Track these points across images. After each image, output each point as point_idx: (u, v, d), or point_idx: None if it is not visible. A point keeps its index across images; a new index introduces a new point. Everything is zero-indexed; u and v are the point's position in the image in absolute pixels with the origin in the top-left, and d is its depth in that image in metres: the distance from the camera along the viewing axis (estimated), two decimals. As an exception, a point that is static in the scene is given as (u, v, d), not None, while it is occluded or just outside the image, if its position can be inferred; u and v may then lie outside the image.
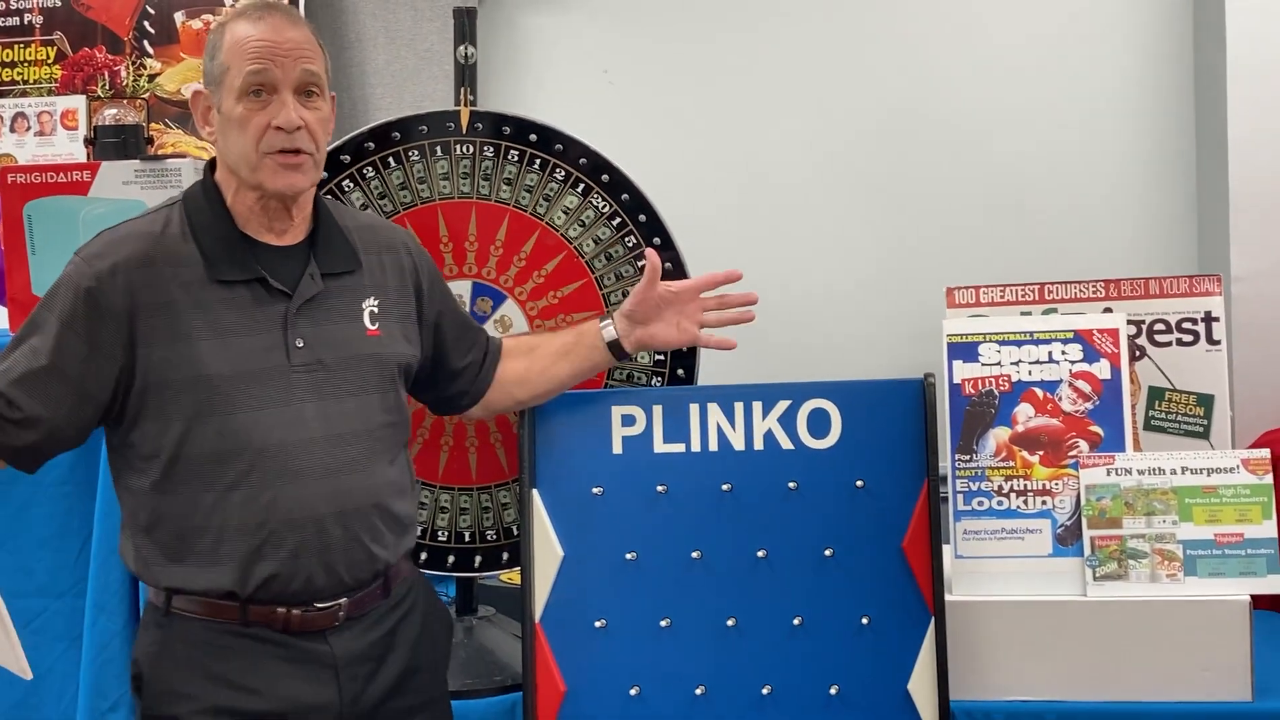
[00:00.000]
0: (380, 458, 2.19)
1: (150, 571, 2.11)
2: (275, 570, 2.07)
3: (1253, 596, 2.40)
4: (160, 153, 3.32)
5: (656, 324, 2.51)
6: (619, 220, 2.69)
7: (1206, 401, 2.72)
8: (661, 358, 2.71)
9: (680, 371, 2.72)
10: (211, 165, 2.20)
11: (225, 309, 2.08)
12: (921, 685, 2.41)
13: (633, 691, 2.48)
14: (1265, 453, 2.45)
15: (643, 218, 2.69)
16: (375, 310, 2.21)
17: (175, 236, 2.11)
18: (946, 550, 2.50)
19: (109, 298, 2.04)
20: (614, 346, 2.49)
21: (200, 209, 2.14)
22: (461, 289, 2.69)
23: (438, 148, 2.68)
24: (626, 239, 2.70)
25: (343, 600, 2.13)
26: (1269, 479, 2.42)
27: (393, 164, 2.68)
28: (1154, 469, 2.45)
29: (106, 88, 3.57)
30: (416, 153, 2.68)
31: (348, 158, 2.66)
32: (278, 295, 2.12)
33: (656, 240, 2.69)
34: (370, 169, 2.66)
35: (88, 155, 3.30)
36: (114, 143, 2.88)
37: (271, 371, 2.09)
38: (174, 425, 2.05)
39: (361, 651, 2.15)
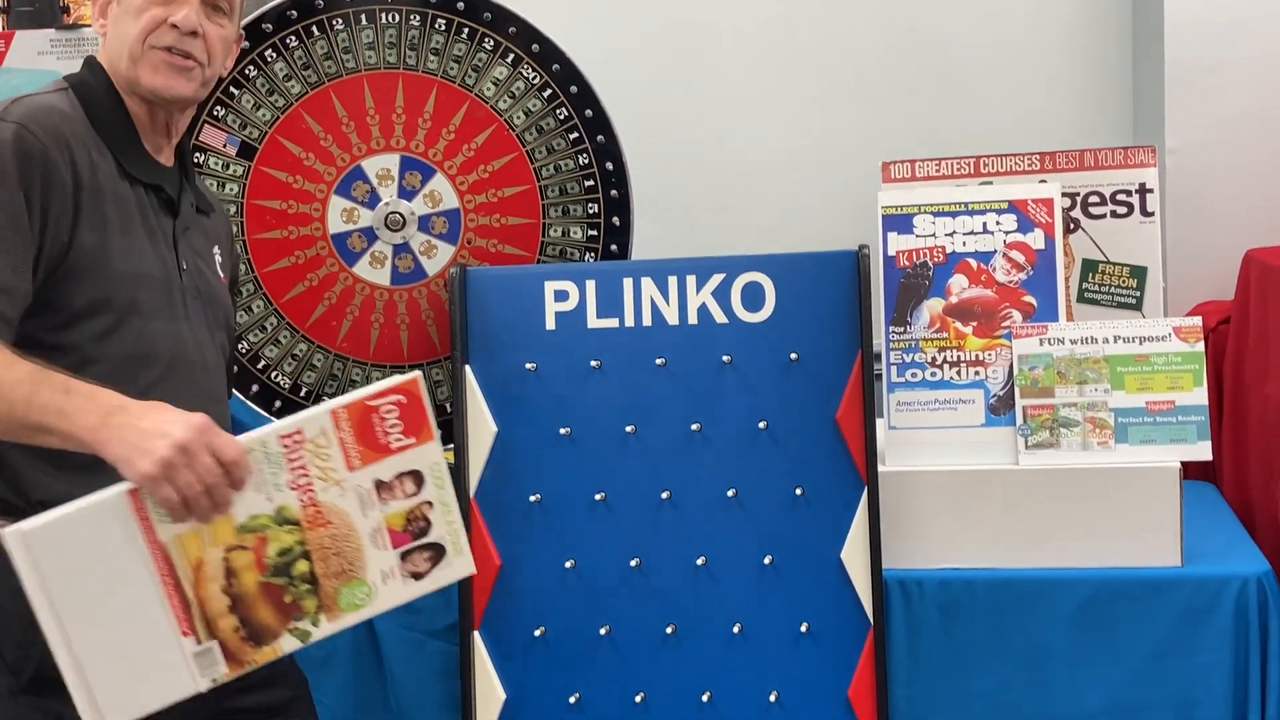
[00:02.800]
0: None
1: (20, 481, 1.89)
2: None
3: (1183, 465, 2.42)
4: (78, 22, 3.22)
5: None
6: (550, 92, 2.65)
7: (1140, 273, 2.72)
8: (595, 233, 2.68)
9: (614, 247, 2.69)
10: (93, 58, 2.07)
11: (134, 208, 1.98)
12: (854, 555, 2.42)
13: (568, 564, 2.47)
14: (1197, 320, 2.45)
15: (574, 89, 2.65)
16: (219, 259, 2.17)
17: (72, 117, 1.96)
18: (880, 422, 2.50)
19: (58, 169, 1.88)
20: None
21: (97, 101, 2.00)
22: (390, 163, 2.64)
23: (362, 16, 2.61)
24: (558, 111, 2.65)
25: None
26: (1200, 346, 2.43)
27: (316, 33, 2.61)
28: (1086, 338, 2.45)
29: (21, -40, 3.45)
30: (340, 21, 2.61)
31: (269, 26, 2.59)
32: (168, 209, 2.04)
33: (588, 112, 2.64)
34: (293, 38, 2.59)
35: (2, 25, 3.20)
36: (28, 11, 2.79)
37: (171, 284, 2.01)
38: (95, 320, 1.91)
39: None
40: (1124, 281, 2.73)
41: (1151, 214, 2.71)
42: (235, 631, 1.81)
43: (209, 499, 1.74)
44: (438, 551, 1.88)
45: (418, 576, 1.88)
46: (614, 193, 2.66)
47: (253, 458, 1.78)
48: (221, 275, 2.18)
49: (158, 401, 1.79)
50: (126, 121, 2.02)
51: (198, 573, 1.78)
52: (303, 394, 2.67)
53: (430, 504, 1.86)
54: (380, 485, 1.84)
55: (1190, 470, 2.75)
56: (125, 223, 1.96)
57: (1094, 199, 2.73)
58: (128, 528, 1.75)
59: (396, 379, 1.83)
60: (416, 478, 1.86)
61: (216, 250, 2.18)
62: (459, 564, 1.89)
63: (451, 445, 2.56)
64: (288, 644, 1.84)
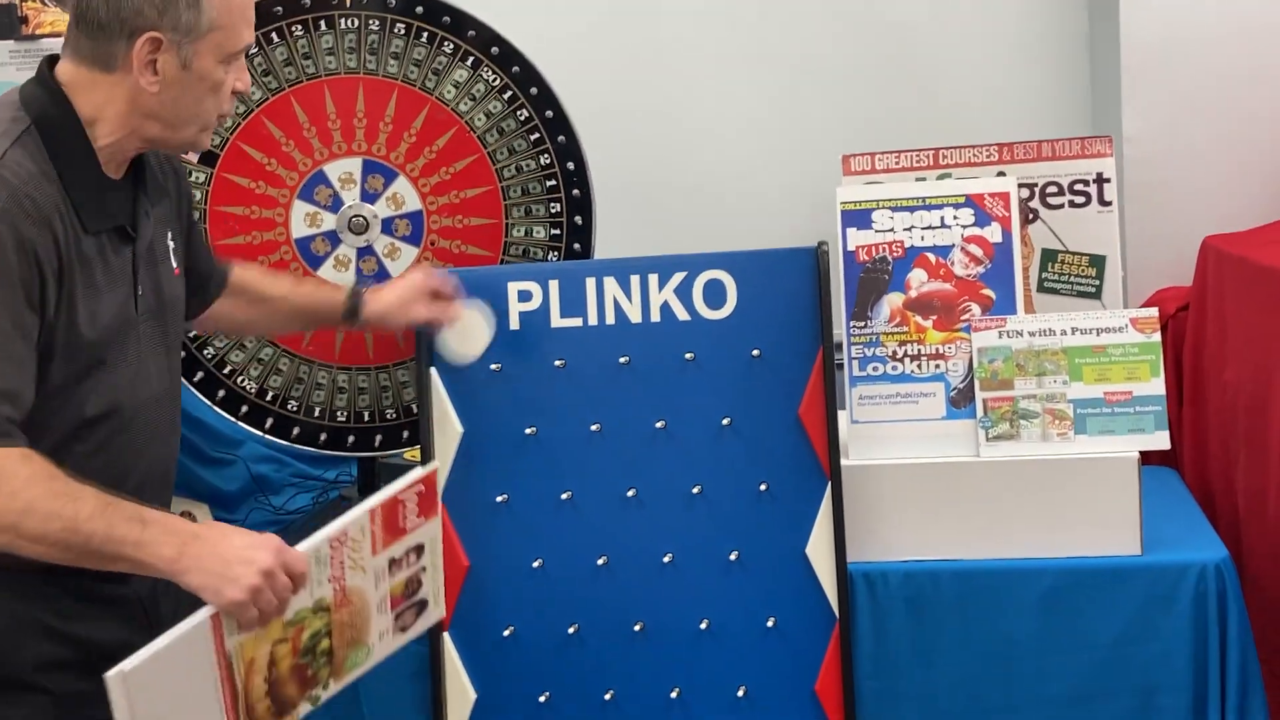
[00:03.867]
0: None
1: None
2: None
3: (1144, 452, 2.45)
4: (37, 32, 3.22)
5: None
6: (510, 94, 2.66)
7: (1099, 262, 2.75)
8: (557, 233, 2.70)
9: (576, 246, 2.71)
10: (49, 77, 1.93)
11: (94, 263, 1.92)
12: (819, 548, 2.44)
13: (535, 564, 2.49)
14: (1154, 311, 2.48)
15: (534, 90, 2.66)
16: (172, 245, 2.11)
17: (43, 177, 1.87)
18: (842, 416, 2.53)
19: (49, 256, 1.84)
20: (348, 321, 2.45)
21: (61, 143, 1.90)
22: (352, 167, 2.65)
23: (322, 22, 2.62)
24: (519, 112, 2.66)
25: None
26: (1157, 337, 2.46)
27: (276, 39, 2.62)
28: (1045, 330, 2.48)
29: (-21, -34, 3.44)
30: (300, 27, 2.62)
31: (228, 34, 2.60)
32: (127, 240, 1.98)
33: (549, 113, 2.65)
34: (253, 45, 2.59)
35: (-42, 37, 3.19)
36: (-15, 23, 2.79)
37: (127, 326, 1.97)
38: (52, 396, 1.89)
39: (152, 584, 2.04)
40: (1083, 270, 2.76)
41: (1109, 203, 2.74)
42: (267, 710, 1.92)
43: (267, 613, 1.83)
44: (421, 606, 2.07)
45: (404, 629, 2.06)
46: (575, 192, 2.68)
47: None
48: (175, 265, 2.10)
49: (223, 525, 1.89)
50: (92, 163, 1.93)
51: (249, 669, 1.88)
52: (269, 398, 2.68)
53: (426, 568, 2.05)
54: (393, 562, 2.00)
55: (1151, 456, 2.78)
56: (86, 285, 1.91)
57: (1052, 189, 2.76)
58: (206, 647, 1.82)
59: (419, 471, 2.01)
60: (419, 549, 2.03)
61: (169, 235, 2.10)
62: (434, 613, 2.11)
63: (418, 446, 2.58)
64: (303, 710, 1.97)
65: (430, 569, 2.06)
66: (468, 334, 2.47)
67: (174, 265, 2.10)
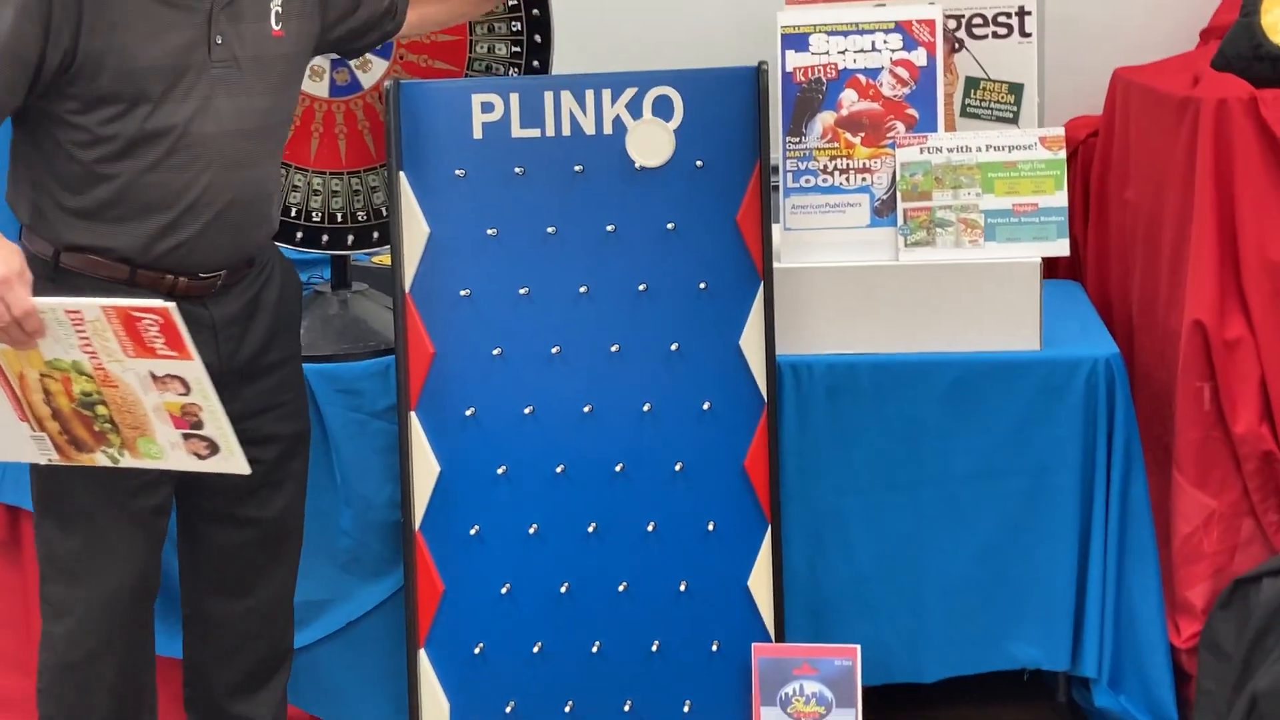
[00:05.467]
0: (273, 154, 2.43)
1: (47, 225, 2.28)
2: (176, 245, 2.29)
3: (1054, 265, 2.70)
4: None
5: None
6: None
7: (1017, 90, 2.98)
8: (518, 50, 2.89)
9: (536, 63, 2.90)
10: None
11: (156, 4, 2.22)
12: (752, 342, 2.69)
13: (495, 351, 2.72)
14: (1060, 130, 2.72)
15: (498, -88, 2.82)
16: (280, 10, 2.36)
17: None
18: (776, 227, 2.76)
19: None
20: None
21: None
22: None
23: None
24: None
25: (221, 272, 2.36)
26: (1063, 154, 2.70)
27: None
28: (961, 147, 2.71)
29: None
30: None
31: None
32: None
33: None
34: None
35: None
36: None
37: (194, 66, 2.25)
38: (103, 109, 2.21)
39: (235, 313, 2.39)
40: (1003, 98, 2.99)
41: (1029, 35, 2.96)
42: (59, 434, 2.18)
43: (6, 335, 2.08)
44: (213, 445, 2.16)
45: (199, 457, 2.17)
46: (536, 11, 2.85)
47: (46, 318, 2.07)
48: (275, 27, 2.34)
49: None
50: None
51: (21, 381, 2.14)
52: (249, 199, 2.88)
53: (200, 407, 2.11)
54: (155, 377, 2.11)
55: (1058, 270, 3.05)
56: (133, 20, 2.20)
57: (977, 20, 2.98)
58: None
59: (154, 302, 2.05)
60: (184, 382, 2.11)
61: (277, 3, 2.34)
62: (233, 463, 2.17)
63: (388, 248, 2.80)
64: (102, 460, 2.20)
65: (209, 413, 2.12)
66: (651, 145, 2.68)
67: (273, 25, 2.35)
